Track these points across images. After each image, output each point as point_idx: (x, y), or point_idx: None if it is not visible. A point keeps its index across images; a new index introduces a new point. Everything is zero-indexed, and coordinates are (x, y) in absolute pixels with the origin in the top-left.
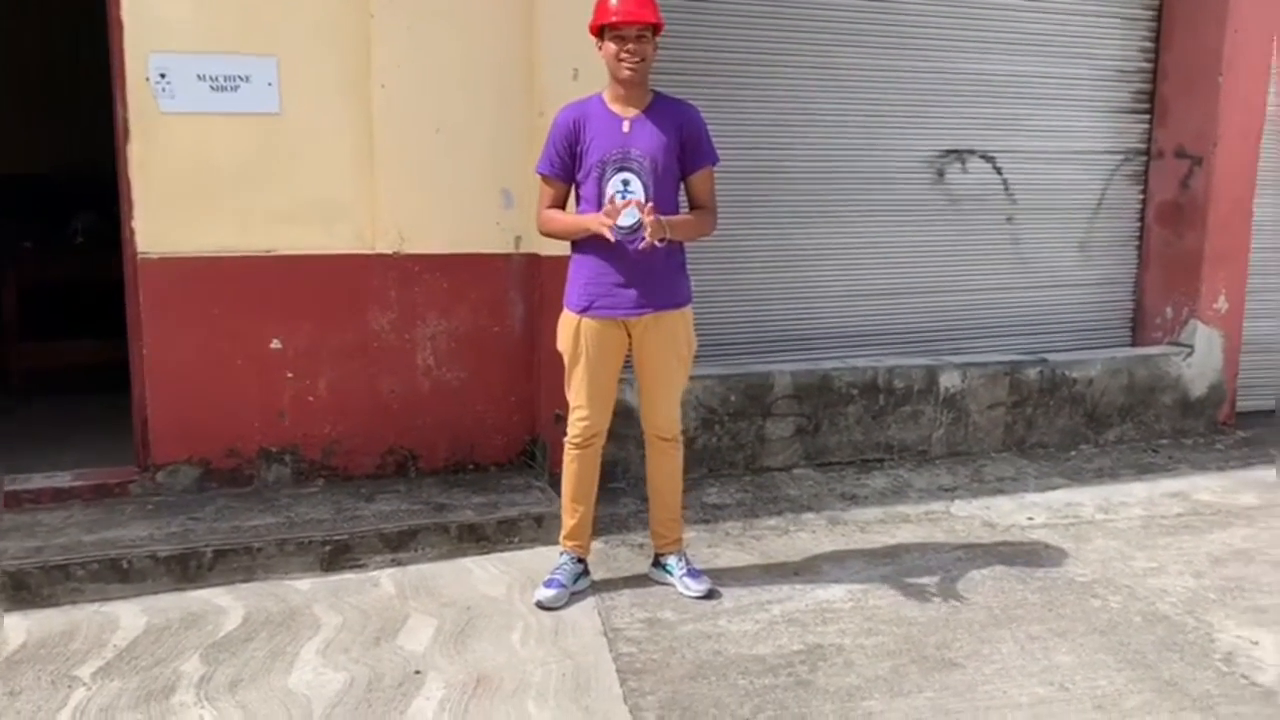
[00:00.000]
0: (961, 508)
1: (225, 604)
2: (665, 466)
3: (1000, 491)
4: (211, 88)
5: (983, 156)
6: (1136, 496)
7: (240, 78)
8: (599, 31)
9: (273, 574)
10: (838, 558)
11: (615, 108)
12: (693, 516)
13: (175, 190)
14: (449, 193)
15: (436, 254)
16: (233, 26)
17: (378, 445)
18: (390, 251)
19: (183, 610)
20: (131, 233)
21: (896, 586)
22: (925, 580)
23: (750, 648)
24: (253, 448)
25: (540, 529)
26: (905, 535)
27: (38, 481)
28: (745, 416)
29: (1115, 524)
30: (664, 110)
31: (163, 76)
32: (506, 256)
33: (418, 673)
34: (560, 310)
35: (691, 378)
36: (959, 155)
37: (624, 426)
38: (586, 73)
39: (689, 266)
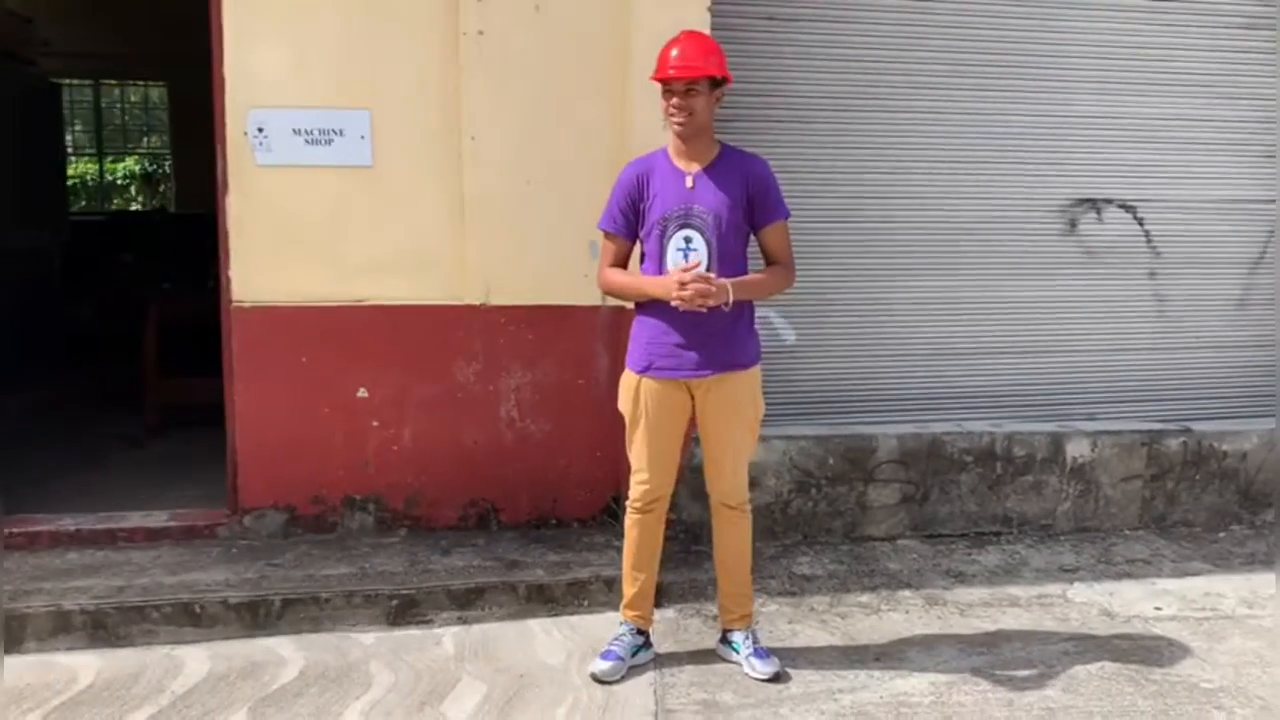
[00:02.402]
0: (1080, 592)
1: (287, 654)
2: (732, 537)
3: (1129, 575)
4: (306, 141)
5: (1121, 206)
6: None
7: (334, 131)
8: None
9: (340, 625)
10: (928, 643)
11: (679, 162)
12: (777, 587)
13: (269, 240)
14: (537, 244)
15: (523, 305)
16: (327, 81)
17: (460, 497)
18: (477, 303)
19: (246, 658)
20: (227, 281)
21: (988, 680)
22: (1021, 675)
23: None
24: (337, 495)
25: (611, 592)
26: (1009, 621)
27: (135, 520)
28: (845, 481)
29: (1259, 621)
30: (730, 165)
31: (260, 130)
32: (593, 309)
33: None
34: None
35: (786, 438)
36: (1094, 204)
37: None
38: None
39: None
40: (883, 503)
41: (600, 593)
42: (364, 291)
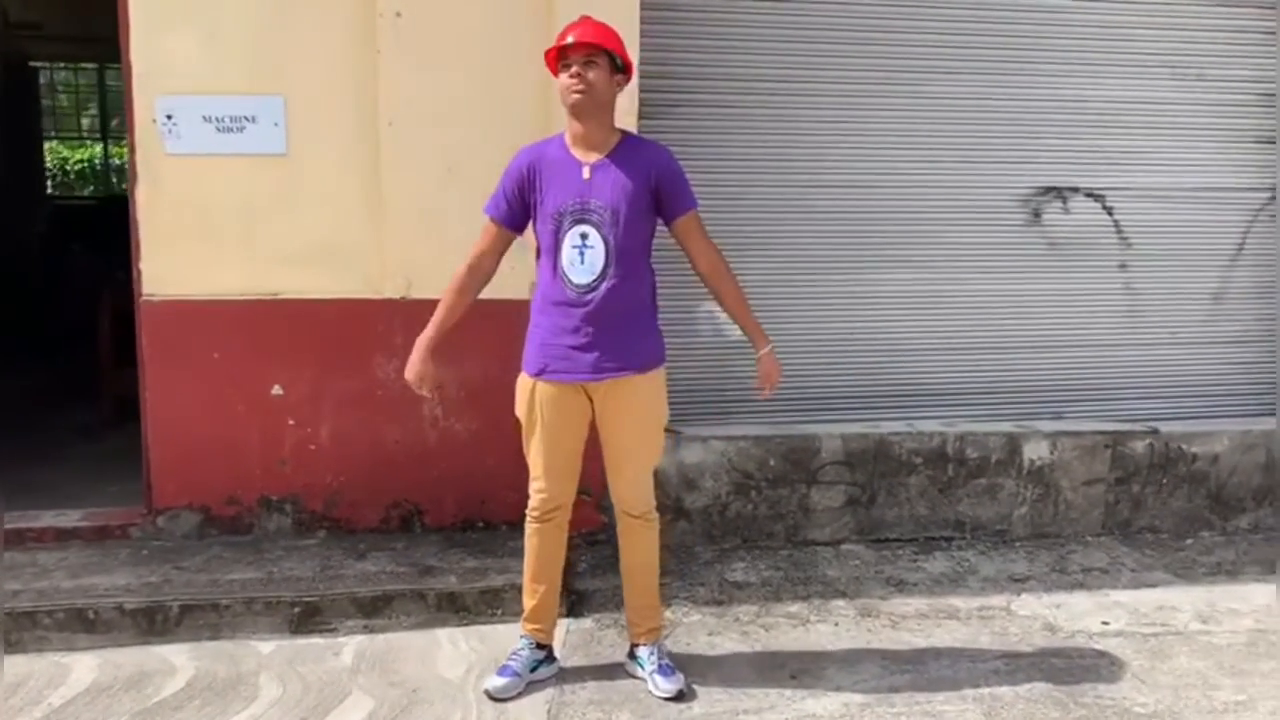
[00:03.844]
0: (1026, 604)
1: (179, 663)
2: (636, 547)
3: (1081, 586)
4: (217, 129)
5: (1089, 194)
6: (1253, 603)
7: (246, 118)
8: (555, 66)
9: (239, 633)
10: (852, 659)
11: (576, 151)
12: (705, 595)
13: (180, 232)
14: (460, 235)
15: None
16: (239, 66)
17: (381, 498)
18: (398, 296)
19: (137, 667)
20: (138, 274)
21: (904, 702)
22: (941, 696)
23: None
24: (253, 496)
25: None
26: (943, 636)
27: (46, 520)
28: (786, 483)
29: (1212, 638)
30: (631, 154)
31: (169, 118)
32: (522, 302)
33: None
34: None
35: (725, 438)
36: (1060, 193)
37: None
38: None
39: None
40: (826, 505)
41: (514, 601)
42: (278, 285)
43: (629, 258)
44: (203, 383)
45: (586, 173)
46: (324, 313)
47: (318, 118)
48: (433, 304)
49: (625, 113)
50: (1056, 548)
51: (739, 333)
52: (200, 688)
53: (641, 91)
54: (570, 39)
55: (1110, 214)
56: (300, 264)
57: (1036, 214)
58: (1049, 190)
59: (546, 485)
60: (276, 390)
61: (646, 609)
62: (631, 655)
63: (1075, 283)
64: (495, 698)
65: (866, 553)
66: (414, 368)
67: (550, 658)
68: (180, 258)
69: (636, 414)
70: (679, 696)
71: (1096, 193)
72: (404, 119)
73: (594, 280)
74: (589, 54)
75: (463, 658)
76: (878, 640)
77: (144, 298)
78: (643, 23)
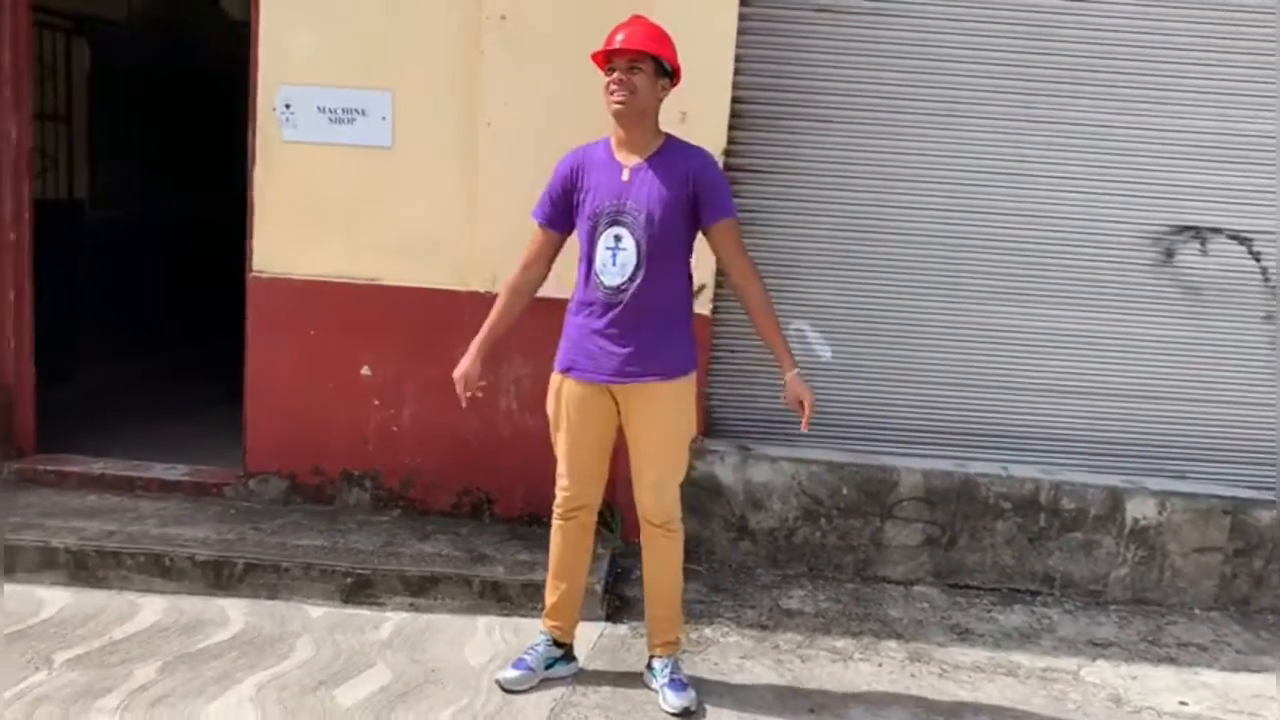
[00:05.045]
0: (1098, 671)
1: (233, 616)
2: (656, 558)
3: (1170, 660)
4: (330, 119)
5: (1233, 236)
6: None
7: (357, 111)
8: (604, 67)
9: (295, 595)
10: (882, 702)
11: (619, 154)
12: (751, 619)
13: (289, 215)
14: None
15: None
16: (353, 61)
17: (454, 483)
18: (483, 290)
19: (195, 615)
20: (250, 251)
21: None
22: None
23: None
24: (336, 469)
25: None
26: (992, 693)
27: (155, 471)
28: (859, 514)
29: None
30: (671, 158)
31: (287, 107)
32: None
33: None
34: None
35: (796, 460)
36: (1198, 233)
37: (712, 503)
38: (695, 115)
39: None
40: (901, 542)
41: None
42: (375, 270)
43: (661, 261)
44: (299, 358)
45: (626, 175)
46: (414, 300)
47: (422, 114)
48: None
49: (716, 122)
50: (1155, 617)
51: (830, 354)
52: (243, 641)
53: (740, 103)
54: (617, 42)
55: (1258, 260)
56: (396, 252)
57: (1169, 254)
58: (1185, 229)
59: (570, 484)
60: (365, 371)
61: (664, 620)
62: (649, 666)
63: (1209, 331)
64: (505, 688)
65: (939, 597)
66: (462, 367)
67: (569, 657)
68: (288, 238)
69: (659, 421)
70: (684, 713)
71: (1243, 235)
72: (502, 119)
73: (624, 282)
74: (634, 59)
75: (491, 646)
76: (918, 687)
77: (253, 274)
78: (742, 34)
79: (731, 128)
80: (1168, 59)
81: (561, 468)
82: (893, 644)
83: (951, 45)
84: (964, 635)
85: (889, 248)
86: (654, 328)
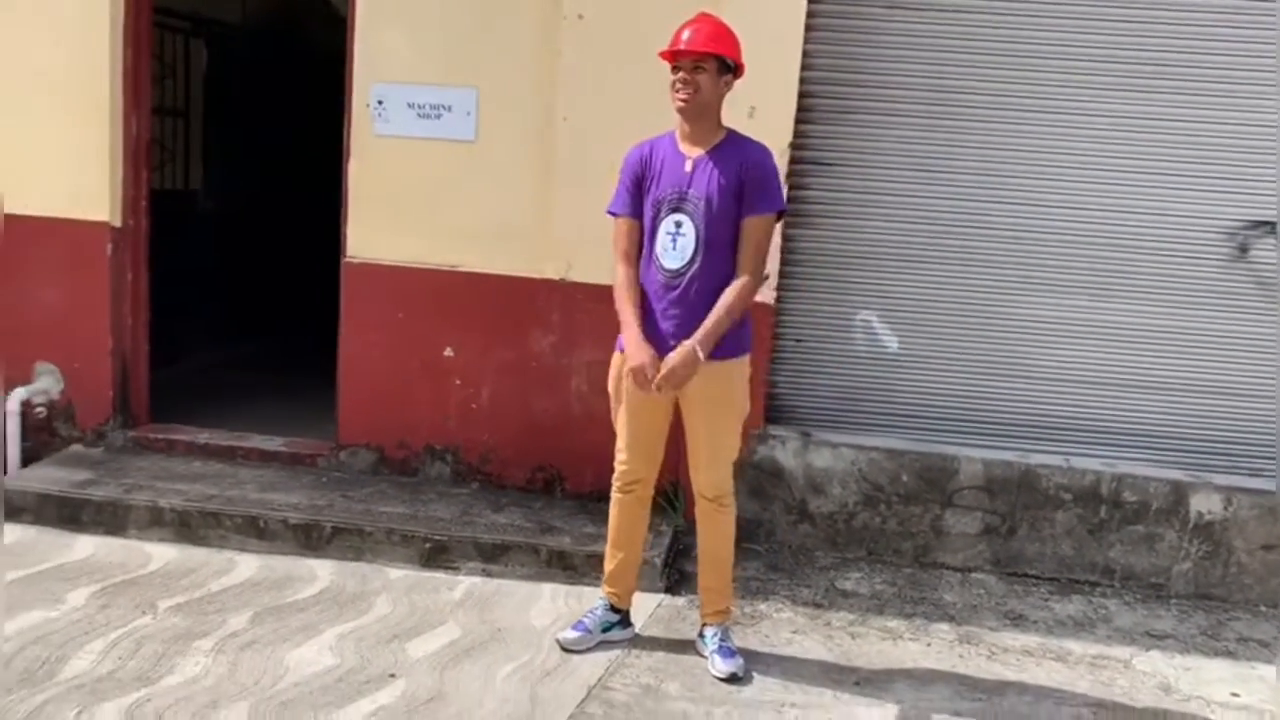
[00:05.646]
0: (1151, 661)
1: (321, 575)
2: (708, 530)
3: (1228, 654)
4: (418, 115)
5: None
6: None
7: (444, 107)
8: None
9: (379, 558)
10: (926, 678)
11: (683, 146)
12: (807, 597)
13: (380, 204)
14: None
15: (598, 284)
16: (440, 61)
17: (528, 460)
18: (558, 277)
19: (286, 572)
20: (344, 238)
21: None
22: None
23: None
24: (420, 443)
25: None
26: (1038, 674)
27: (254, 441)
28: (919, 501)
29: None
30: (731, 150)
31: (380, 103)
32: None
33: (392, 676)
34: None
35: (857, 447)
36: (1273, 228)
37: (773, 486)
38: (764, 111)
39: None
40: (961, 530)
41: None
42: (458, 257)
43: (718, 248)
44: (388, 339)
45: (689, 165)
46: (493, 286)
47: (503, 109)
48: (587, 287)
49: (783, 117)
50: (1218, 611)
51: (898, 344)
52: (327, 597)
53: (810, 98)
54: (683, 42)
55: None
56: (478, 240)
57: (1243, 249)
58: (1261, 224)
59: (628, 458)
60: (448, 352)
61: (716, 591)
62: (700, 634)
63: None
64: (565, 648)
65: (996, 584)
66: (644, 353)
67: (625, 622)
68: (379, 226)
69: (712, 400)
70: (732, 678)
71: None
72: (578, 115)
73: (683, 266)
74: (699, 59)
75: (555, 610)
76: (964, 666)
77: (347, 259)
78: (812, 29)
79: (800, 121)
80: (1246, 51)
81: (620, 443)
82: (944, 626)
83: (1020, 38)
84: (1017, 621)
85: (956, 240)
86: (710, 310)
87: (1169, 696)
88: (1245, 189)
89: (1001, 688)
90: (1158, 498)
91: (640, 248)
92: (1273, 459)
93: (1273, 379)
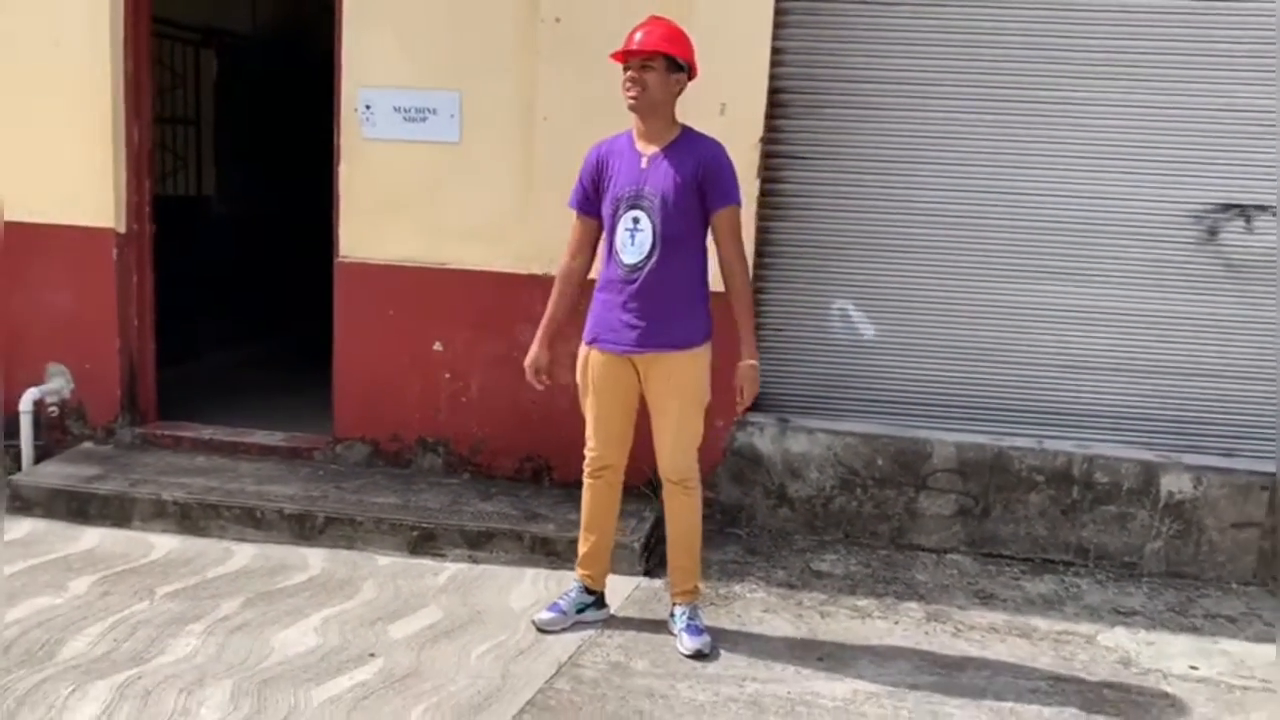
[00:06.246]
0: (1114, 637)
1: (313, 562)
2: (674, 511)
3: (1193, 630)
4: (404, 118)
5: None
6: None
7: (428, 110)
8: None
9: (370, 546)
10: (889, 654)
11: (639, 144)
12: (781, 578)
13: (370, 205)
14: None
15: None
16: (424, 65)
17: (517, 450)
18: (540, 272)
19: (280, 561)
20: (337, 238)
21: (916, 700)
22: (957, 701)
23: (678, 718)
24: (413, 436)
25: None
26: (1000, 650)
27: (256, 437)
28: (893, 484)
29: None
30: (685, 147)
31: (367, 108)
32: None
33: (371, 655)
34: None
35: (832, 432)
36: (1242, 211)
37: (752, 472)
38: (735, 107)
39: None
40: (935, 512)
41: None
42: (445, 255)
43: (675, 242)
44: (379, 335)
45: (644, 162)
46: (479, 282)
47: (486, 111)
48: None
49: (753, 112)
50: (1188, 589)
51: (874, 332)
52: (317, 584)
53: (783, 92)
54: (634, 43)
55: None
56: (464, 238)
57: (1212, 232)
58: (1230, 207)
59: (597, 445)
60: (437, 346)
61: (684, 570)
62: (671, 614)
63: (1253, 309)
64: (540, 629)
65: (970, 564)
66: (531, 355)
67: (600, 604)
68: (369, 226)
69: (675, 388)
70: (698, 655)
71: None
72: (556, 114)
73: (640, 260)
74: (647, 58)
75: (535, 593)
76: (929, 643)
77: (339, 258)
78: (783, 26)
79: (774, 116)
80: (1213, 36)
81: (589, 430)
82: (913, 605)
83: (989, 29)
84: (987, 600)
85: (928, 229)
86: (669, 303)
87: (1127, 670)
88: (1213, 173)
89: (962, 663)
90: (1129, 478)
91: (592, 243)
92: (1245, 439)
93: (1235, 361)
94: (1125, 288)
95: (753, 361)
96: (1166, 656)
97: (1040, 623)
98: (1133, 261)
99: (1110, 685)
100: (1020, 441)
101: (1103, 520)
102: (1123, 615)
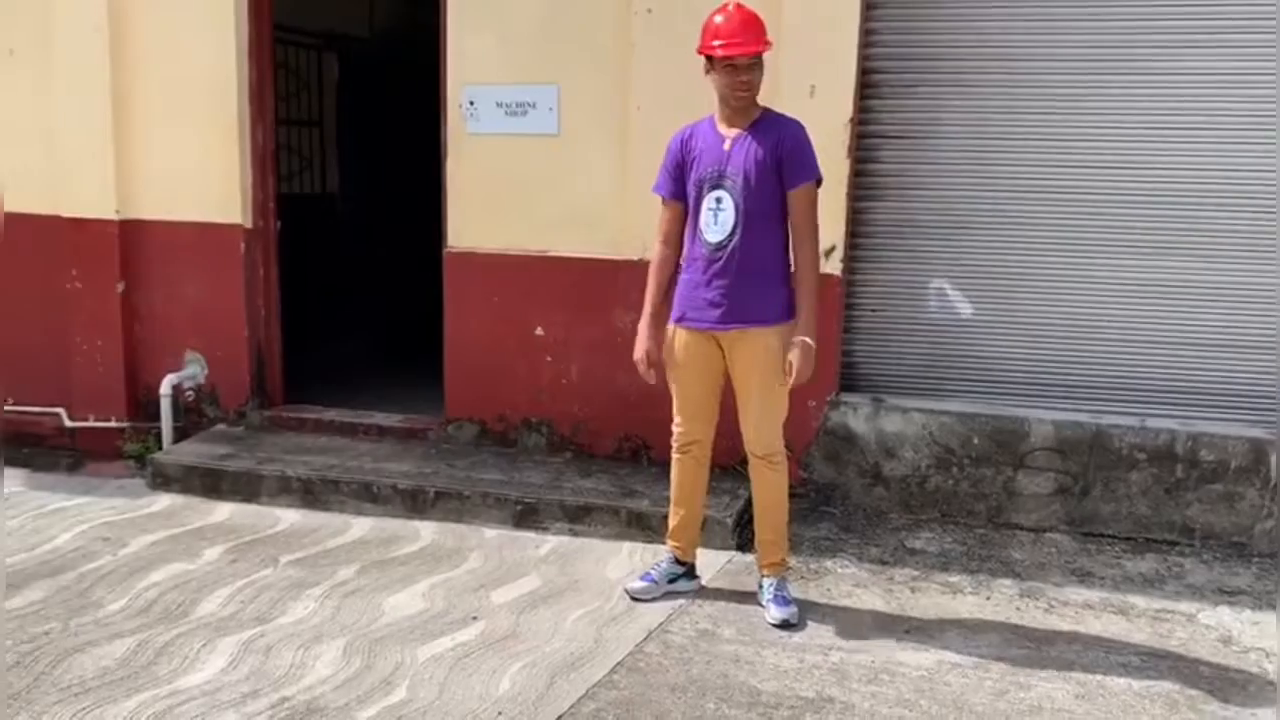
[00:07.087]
0: (1216, 616)
1: (424, 534)
2: (760, 485)
3: None
4: (506, 113)
5: None
6: None
7: (529, 104)
8: (709, 58)
9: (477, 520)
10: (978, 628)
11: (722, 127)
12: (874, 555)
13: (475, 197)
14: None
15: None
16: (524, 61)
17: (615, 431)
18: (635, 258)
19: (393, 533)
20: (445, 230)
21: (1001, 671)
22: (1044, 674)
23: (763, 681)
24: (517, 417)
25: (703, 531)
26: (1094, 626)
27: (375, 418)
28: (990, 464)
29: None
30: (766, 127)
31: (471, 104)
32: None
33: (474, 618)
34: None
35: (928, 412)
36: None
37: (846, 451)
38: (824, 89)
39: None
40: (1034, 491)
41: None
42: (545, 243)
43: (757, 220)
44: (485, 321)
45: (727, 144)
46: (577, 268)
47: (583, 103)
48: None
49: (841, 94)
50: None
51: (971, 311)
52: (427, 554)
53: (874, 74)
54: (735, 43)
55: None
56: (563, 226)
57: None
58: None
59: (684, 421)
60: (539, 331)
61: (771, 543)
62: (760, 585)
63: None
64: (633, 597)
65: (1069, 543)
66: (641, 348)
67: (691, 575)
68: (474, 217)
69: (758, 364)
70: (784, 625)
71: None
72: (649, 104)
73: (724, 239)
74: (754, 57)
75: (630, 565)
76: (1019, 618)
77: (447, 248)
78: (875, 7)
79: (865, 97)
80: None
81: (676, 407)
82: (1007, 581)
83: (1078, 5)
84: (1084, 578)
85: (1024, 205)
86: (752, 280)
87: (1227, 648)
88: None
89: (1053, 637)
90: (1237, 456)
91: (681, 228)
92: None
93: None
94: (1227, 260)
95: (808, 339)
96: (1270, 636)
97: (1139, 600)
98: (1237, 234)
99: (1207, 663)
100: (1120, 420)
101: (1209, 499)
102: (1227, 595)
